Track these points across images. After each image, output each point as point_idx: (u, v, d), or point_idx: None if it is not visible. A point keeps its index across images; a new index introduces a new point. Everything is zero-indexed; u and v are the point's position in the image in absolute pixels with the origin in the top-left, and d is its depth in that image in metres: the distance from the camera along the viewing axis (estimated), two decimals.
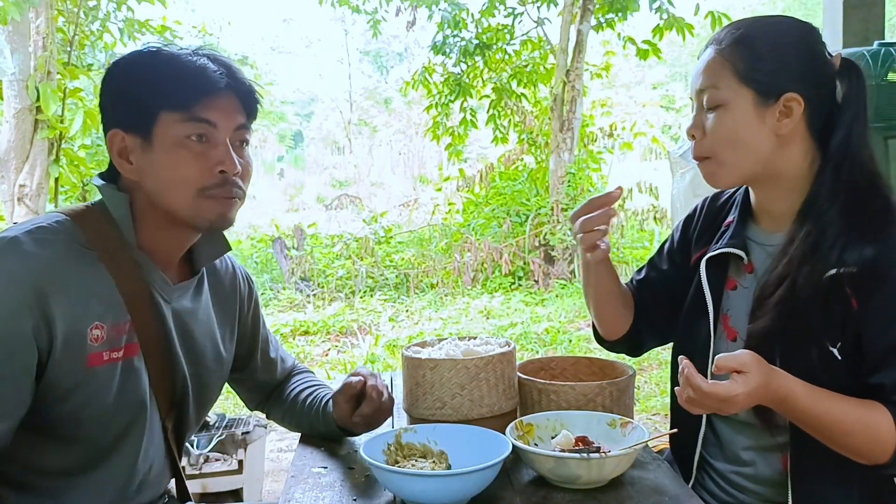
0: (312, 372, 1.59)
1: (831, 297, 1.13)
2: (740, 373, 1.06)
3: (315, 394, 1.45)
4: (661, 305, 1.47)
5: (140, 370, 1.18)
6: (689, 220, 1.47)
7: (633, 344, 1.51)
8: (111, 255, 1.14)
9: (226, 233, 1.29)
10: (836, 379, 1.14)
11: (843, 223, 1.15)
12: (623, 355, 1.56)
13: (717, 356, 1.09)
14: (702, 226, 1.43)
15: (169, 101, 1.13)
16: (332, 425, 1.36)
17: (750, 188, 1.32)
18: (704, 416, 1.34)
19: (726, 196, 1.42)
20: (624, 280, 1.49)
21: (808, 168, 1.22)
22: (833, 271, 1.13)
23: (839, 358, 1.14)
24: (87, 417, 1.12)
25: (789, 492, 1.19)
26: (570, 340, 5.58)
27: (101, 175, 1.23)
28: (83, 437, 1.14)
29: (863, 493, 1.17)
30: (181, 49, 1.18)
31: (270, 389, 1.53)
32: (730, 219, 1.35)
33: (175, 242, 1.24)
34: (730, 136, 1.20)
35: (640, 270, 1.54)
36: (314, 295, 7.24)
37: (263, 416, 1.57)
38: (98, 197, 1.21)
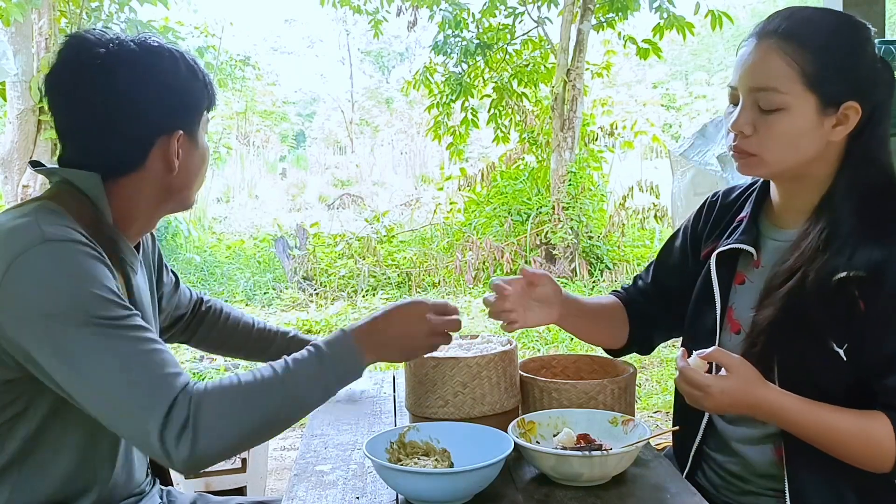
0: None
1: (839, 298, 1.12)
2: (727, 372, 1.12)
3: (273, 328, 1.62)
4: (672, 304, 1.46)
5: None
6: (698, 214, 1.46)
7: (643, 347, 1.54)
8: (96, 237, 1.12)
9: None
10: (836, 379, 1.14)
11: (855, 222, 1.15)
12: None
13: (717, 347, 1.15)
14: (714, 220, 1.42)
15: (208, 101, 1.24)
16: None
17: (773, 182, 1.30)
18: (706, 413, 1.34)
19: (739, 191, 1.41)
20: (617, 285, 1.50)
21: (835, 167, 1.20)
22: (843, 274, 1.11)
23: (844, 359, 1.13)
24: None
25: (786, 483, 1.20)
26: (572, 339, 5.58)
27: (32, 164, 1.25)
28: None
29: (858, 486, 1.16)
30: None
31: (191, 313, 1.57)
32: (743, 214, 1.35)
33: (154, 222, 1.28)
34: (786, 140, 1.16)
35: (643, 275, 1.53)
36: (317, 294, 7.24)
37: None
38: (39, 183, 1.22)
